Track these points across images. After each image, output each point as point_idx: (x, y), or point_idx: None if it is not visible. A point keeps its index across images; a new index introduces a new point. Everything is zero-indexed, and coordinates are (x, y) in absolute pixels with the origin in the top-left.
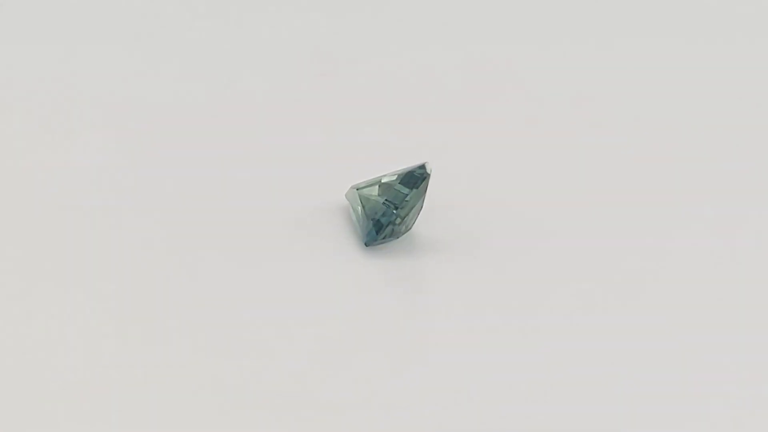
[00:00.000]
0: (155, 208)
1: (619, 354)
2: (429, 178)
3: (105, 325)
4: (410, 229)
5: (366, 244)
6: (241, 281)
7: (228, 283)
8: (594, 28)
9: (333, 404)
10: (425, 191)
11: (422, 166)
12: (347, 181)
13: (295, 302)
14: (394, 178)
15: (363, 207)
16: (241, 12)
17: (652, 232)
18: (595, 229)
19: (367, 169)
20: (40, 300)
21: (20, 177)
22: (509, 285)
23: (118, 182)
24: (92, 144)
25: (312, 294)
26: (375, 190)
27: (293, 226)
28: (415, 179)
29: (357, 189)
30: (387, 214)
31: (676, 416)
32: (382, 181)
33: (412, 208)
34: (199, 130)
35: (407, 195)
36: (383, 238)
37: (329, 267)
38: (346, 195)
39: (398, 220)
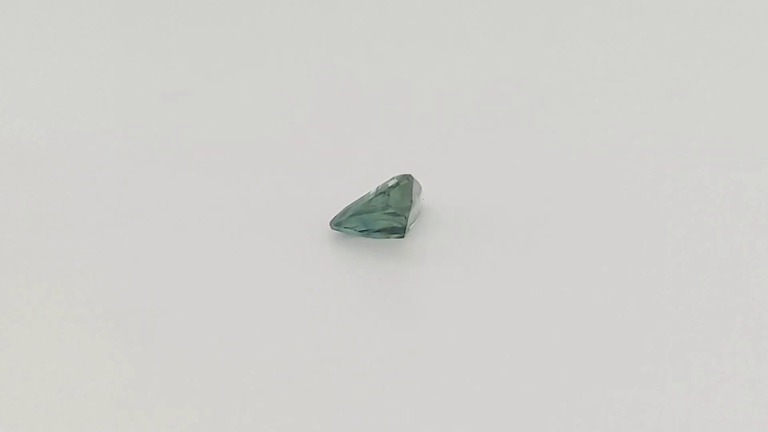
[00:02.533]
0: (147, 212)
1: (619, 358)
2: (412, 179)
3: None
4: (397, 236)
5: (329, 223)
6: (233, 281)
7: (223, 283)
8: (587, 33)
9: (323, 404)
10: (409, 192)
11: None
12: (339, 186)
13: (290, 303)
14: None
15: None
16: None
17: (650, 234)
18: (591, 232)
19: (363, 176)
20: (35, 305)
21: (19, 182)
22: (504, 289)
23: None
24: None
25: (305, 294)
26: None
27: (291, 228)
28: (402, 177)
29: None
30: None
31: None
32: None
33: (394, 196)
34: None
35: (393, 183)
36: (350, 227)
37: (327, 267)
38: None
39: (379, 196)
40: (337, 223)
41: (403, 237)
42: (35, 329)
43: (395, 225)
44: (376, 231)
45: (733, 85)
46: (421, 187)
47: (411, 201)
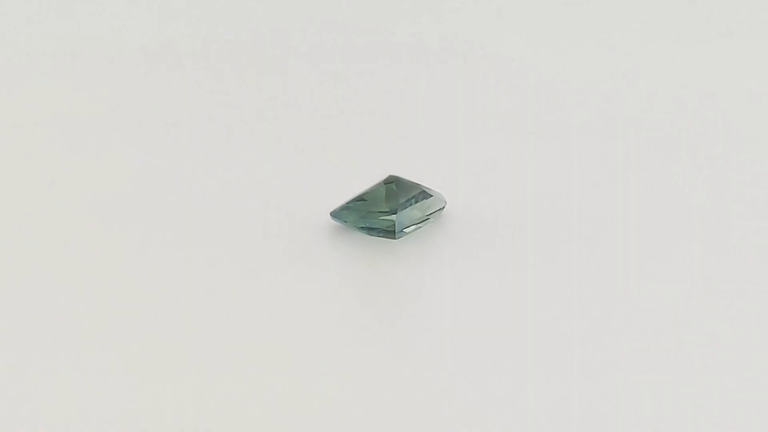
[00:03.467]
0: (144, 202)
1: (625, 365)
2: (400, 181)
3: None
4: (388, 236)
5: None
6: (230, 270)
7: (219, 272)
8: (597, 31)
9: (319, 407)
10: (395, 193)
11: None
12: (336, 191)
13: (290, 305)
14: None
15: None
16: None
17: (657, 238)
18: (597, 238)
19: (370, 172)
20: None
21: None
22: (506, 292)
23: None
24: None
25: (306, 295)
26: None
27: (290, 229)
28: (390, 177)
29: None
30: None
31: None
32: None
33: (382, 195)
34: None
35: (382, 183)
36: (346, 220)
37: (323, 257)
38: None
39: (369, 194)
40: (336, 215)
41: (394, 237)
42: (33, 328)
43: (384, 225)
44: (367, 228)
45: (735, 90)
46: (430, 195)
47: (400, 202)
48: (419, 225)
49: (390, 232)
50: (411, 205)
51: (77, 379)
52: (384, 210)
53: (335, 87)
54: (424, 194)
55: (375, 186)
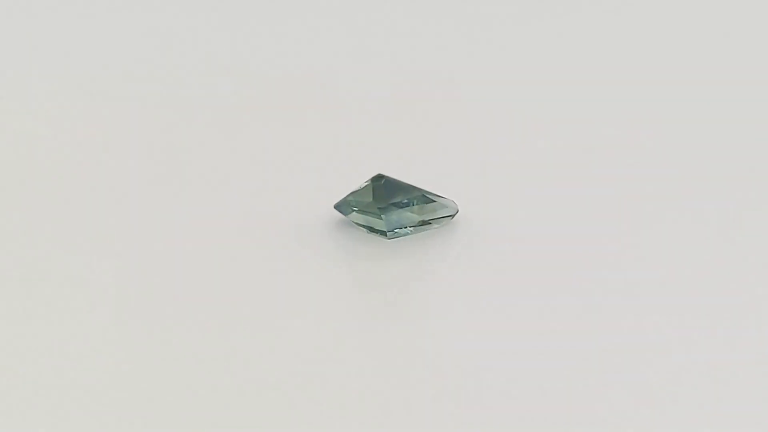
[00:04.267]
0: (143, 199)
1: (629, 371)
2: (385, 180)
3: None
4: (379, 234)
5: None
6: (232, 264)
7: (220, 265)
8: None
9: (319, 408)
10: (383, 193)
11: None
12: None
13: (288, 304)
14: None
15: None
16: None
17: (670, 243)
18: (605, 243)
19: (376, 168)
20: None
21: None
22: (508, 296)
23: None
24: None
25: (298, 286)
26: None
27: (291, 227)
28: (376, 177)
29: None
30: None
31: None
32: None
33: (369, 194)
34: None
35: (366, 183)
36: (345, 213)
37: (326, 248)
38: None
39: (359, 193)
40: (338, 207)
41: (386, 237)
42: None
43: (375, 223)
44: (362, 224)
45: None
46: (432, 201)
47: (390, 202)
48: (418, 228)
49: (382, 231)
50: (406, 207)
51: (75, 376)
52: (375, 208)
53: (352, 88)
54: (424, 198)
55: (364, 184)
